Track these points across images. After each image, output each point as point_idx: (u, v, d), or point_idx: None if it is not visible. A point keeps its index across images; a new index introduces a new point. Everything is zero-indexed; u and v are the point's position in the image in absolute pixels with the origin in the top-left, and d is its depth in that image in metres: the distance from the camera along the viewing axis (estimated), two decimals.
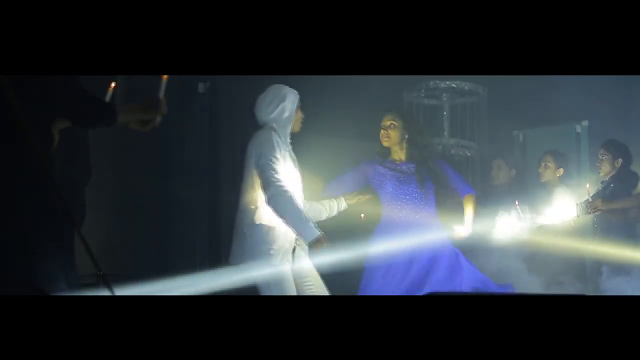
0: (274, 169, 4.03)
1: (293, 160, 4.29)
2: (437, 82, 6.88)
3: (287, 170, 4.14)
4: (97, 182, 4.30)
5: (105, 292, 2.77)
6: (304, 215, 4.02)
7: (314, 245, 3.96)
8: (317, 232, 3.97)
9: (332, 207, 4.61)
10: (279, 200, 3.98)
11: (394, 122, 4.90)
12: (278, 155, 4.08)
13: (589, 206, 5.27)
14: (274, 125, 4.22)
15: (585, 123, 6.96)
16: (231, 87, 6.11)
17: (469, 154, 6.92)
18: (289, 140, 4.28)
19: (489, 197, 5.79)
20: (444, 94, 7.02)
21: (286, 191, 3.99)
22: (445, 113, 7.04)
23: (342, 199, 4.65)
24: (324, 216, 4.58)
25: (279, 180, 4.01)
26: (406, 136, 4.90)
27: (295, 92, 4.37)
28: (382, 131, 4.92)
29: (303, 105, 4.47)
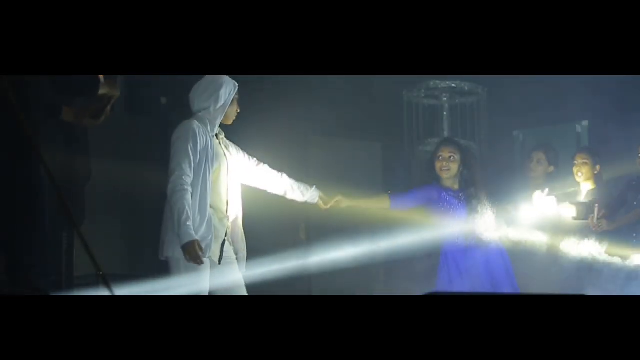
0: (180, 161, 3.93)
1: (224, 150, 4.21)
2: (437, 82, 6.88)
3: (209, 163, 4.03)
4: (97, 182, 4.30)
5: (105, 292, 2.77)
6: (186, 217, 3.86)
7: (186, 249, 3.90)
8: (192, 237, 3.87)
9: (305, 194, 4.53)
10: (173, 194, 3.88)
11: (454, 155, 5.00)
12: (191, 147, 3.96)
13: (598, 224, 5.21)
14: (206, 114, 4.14)
15: (585, 123, 6.92)
16: None
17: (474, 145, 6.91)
18: (216, 131, 4.19)
19: (518, 188, 5.70)
20: (444, 94, 7.01)
21: (182, 189, 3.88)
22: (445, 113, 7.03)
23: (317, 197, 4.59)
24: (298, 198, 4.49)
25: (180, 177, 3.90)
26: (461, 169, 5.01)
27: (234, 82, 4.21)
28: (442, 162, 4.99)
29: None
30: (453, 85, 6.88)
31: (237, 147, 4.31)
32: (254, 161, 4.35)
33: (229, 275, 4.12)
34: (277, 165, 4.49)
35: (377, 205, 4.95)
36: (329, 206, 4.60)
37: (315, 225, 6.21)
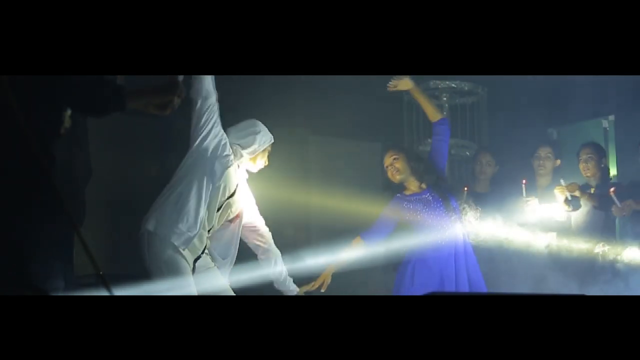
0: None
1: (239, 182, 4.28)
2: (437, 82, 6.88)
3: (217, 176, 4.10)
4: (97, 182, 4.30)
5: (104, 292, 2.77)
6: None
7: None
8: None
9: (283, 283, 4.48)
10: None
11: (396, 156, 4.96)
12: (217, 130, 4.11)
13: (624, 207, 5.19)
14: (237, 148, 4.22)
15: (611, 117, 6.85)
16: (231, 87, 6.12)
17: (468, 154, 6.91)
18: (239, 162, 4.26)
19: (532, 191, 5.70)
20: (444, 94, 7.02)
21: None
22: (445, 113, 7.04)
23: (295, 292, 4.53)
24: (276, 281, 4.47)
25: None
26: (412, 165, 4.96)
27: (271, 136, 4.35)
28: (389, 169, 4.95)
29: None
30: (453, 85, 6.89)
31: (254, 199, 4.38)
32: (261, 220, 4.39)
33: (209, 282, 4.14)
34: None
35: (356, 251, 4.89)
36: (315, 287, 4.67)
37: (316, 226, 6.22)
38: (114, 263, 5.13)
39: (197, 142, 4.08)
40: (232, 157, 4.16)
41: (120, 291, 2.99)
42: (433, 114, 5.05)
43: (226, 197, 4.14)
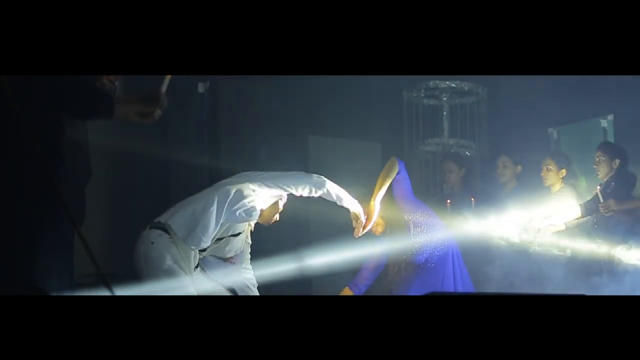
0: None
1: (247, 234, 4.34)
2: (437, 82, 6.90)
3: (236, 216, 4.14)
4: (97, 182, 4.30)
5: (104, 292, 2.77)
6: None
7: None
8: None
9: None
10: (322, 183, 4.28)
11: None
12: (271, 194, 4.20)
13: (602, 206, 5.25)
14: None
15: (610, 117, 6.89)
16: (231, 87, 6.12)
17: (468, 154, 6.92)
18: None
19: (494, 197, 5.78)
20: (444, 94, 7.03)
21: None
22: (445, 113, 7.05)
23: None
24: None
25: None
26: (389, 218, 4.74)
27: None
28: (373, 230, 4.74)
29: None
30: (453, 85, 6.90)
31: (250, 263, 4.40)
32: (252, 275, 4.39)
33: (203, 285, 4.17)
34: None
35: None
36: None
37: (316, 226, 6.22)
38: (114, 263, 5.13)
39: (248, 189, 4.13)
40: (256, 219, 4.19)
41: (121, 291, 2.99)
42: (392, 173, 4.77)
43: (229, 234, 4.18)
